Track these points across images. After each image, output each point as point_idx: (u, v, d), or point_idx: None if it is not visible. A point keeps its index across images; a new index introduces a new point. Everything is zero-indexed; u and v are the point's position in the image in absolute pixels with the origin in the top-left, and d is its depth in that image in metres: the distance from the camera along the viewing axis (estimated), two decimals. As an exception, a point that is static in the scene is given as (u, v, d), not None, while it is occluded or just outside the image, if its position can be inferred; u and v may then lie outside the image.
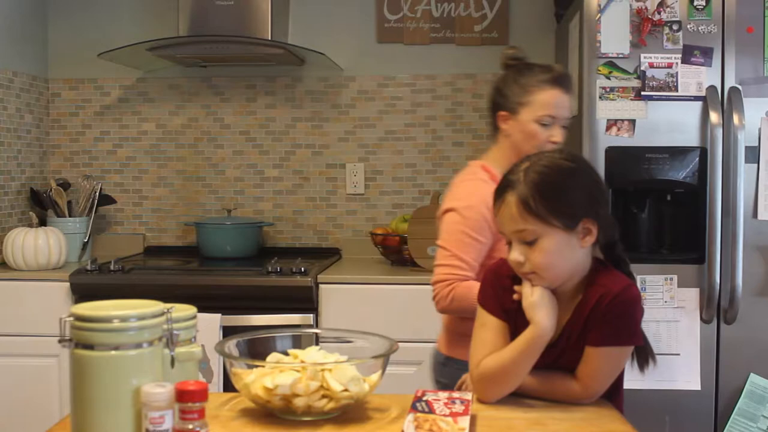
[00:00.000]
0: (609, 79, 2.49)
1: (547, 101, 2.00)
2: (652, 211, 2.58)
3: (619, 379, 1.63)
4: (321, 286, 2.80)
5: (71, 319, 1.19)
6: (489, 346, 1.58)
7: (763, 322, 2.47)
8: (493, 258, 1.88)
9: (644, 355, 1.60)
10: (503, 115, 2.05)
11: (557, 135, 2.01)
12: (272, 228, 3.47)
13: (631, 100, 2.48)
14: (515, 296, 1.56)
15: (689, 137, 2.48)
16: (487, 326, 1.60)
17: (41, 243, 2.95)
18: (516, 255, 1.52)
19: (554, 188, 1.49)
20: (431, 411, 1.39)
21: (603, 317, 1.51)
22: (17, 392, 2.83)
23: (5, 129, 3.16)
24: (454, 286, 1.91)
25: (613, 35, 2.48)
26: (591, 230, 1.51)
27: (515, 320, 1.58)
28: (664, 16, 2.47)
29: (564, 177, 1.52)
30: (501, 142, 2.07)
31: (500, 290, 1.60)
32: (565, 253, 1.51)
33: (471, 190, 1.99)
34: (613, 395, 1.61)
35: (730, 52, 2.46)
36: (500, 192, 1.53)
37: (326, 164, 3.43)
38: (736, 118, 2.42)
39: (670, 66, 2.47)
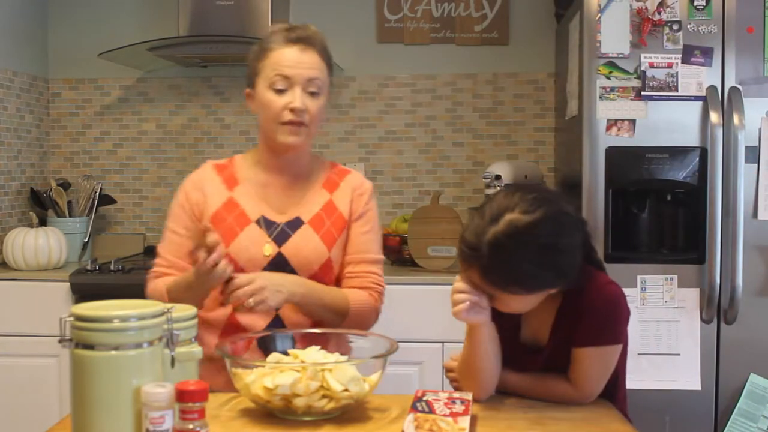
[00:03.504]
0: (609, 79, 2.49)
1: (278, 60, 1.74)
2: (652, 211, 2.58)
3: (620, 381, 1.63)
4: (321, 286, 2.80)
5: (71, 319, 1.19)
6: None
7: (763, 322, 2.47)
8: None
9: None
10: (247, 93, 1.84)
11: (297, 99, 1.73)
12: (272, 228, 3.46)
13: (631, 100, 2.48)
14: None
15: (689, 137, 2.48)
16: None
17: (41, 243, 2.95)
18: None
19: (516, 269, 1.44)
20: (431, 411, 1.39)
21: (586, 318, 1.51)
22: (17, 392, 2.83)
23: (5, 129, 3.16)
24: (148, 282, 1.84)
25: (613, 35, 2.48)
26: (555, 287, 1.51)
27: (498, 320, 1.57)
28: (664, 16, 2.47)
29: (528, 254, 1.43)
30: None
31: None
32: (526, 301, 1.51)
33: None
34: (615, 397, 1.61)
35: (730, 52, 2.46)
36: (464, 255, 1.49)
37: (326, 164, 3.42)
38: (736, 118, 2.42)
39: (670, 66, 2.47)
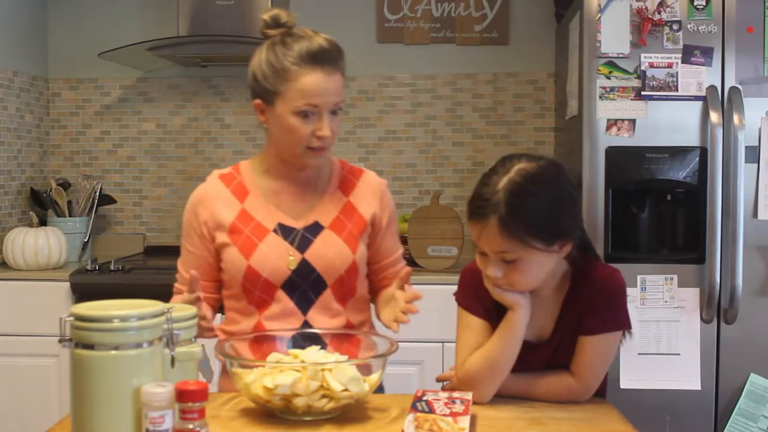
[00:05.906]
0: (609, 79, 2.49)
1: (305, 87, 1.64)
2: (652, 211, 2.58)
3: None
4: (321, 286, 2.80)
5: (71, 319, 1.19)
6: (473, 346, 1.59)
7: (763, 322, 2.47)
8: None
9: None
10: (258, 105, 1.76)
11: (326, 128, 1.66)
12: (272, 228, 3.46)
13: (631, 100, 2.48)
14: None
15: (689, 137, 2.48)
16: (471, 327, 1.61)
17: (41, 243, 2.95)
18: (494, 271, 1.51)
19: (535, 213, 1.47)
20: (431, 411, 1.39)
21: (593, 306, 1.54)
22: (17, 392, 2.83)
23: (5, 129, 3.16)
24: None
25: (613, 35, 2.48)
26: (567, 243, 1.51)
27: (496, 317, 1.58)
28: (664, 16, 2.47)
29: (543, 198, 1.48)
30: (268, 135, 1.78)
31: (479, 289, 1.59)
32: (542, 266, 1.51)
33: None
34: (604, 382, 1.63)
35: (730, 52, 2.46)
36: (478, 211, 1.50)
37: (326, 164, 3.42)
38: (736, 118, 2.42)
39: (670, 66, 2.47)
